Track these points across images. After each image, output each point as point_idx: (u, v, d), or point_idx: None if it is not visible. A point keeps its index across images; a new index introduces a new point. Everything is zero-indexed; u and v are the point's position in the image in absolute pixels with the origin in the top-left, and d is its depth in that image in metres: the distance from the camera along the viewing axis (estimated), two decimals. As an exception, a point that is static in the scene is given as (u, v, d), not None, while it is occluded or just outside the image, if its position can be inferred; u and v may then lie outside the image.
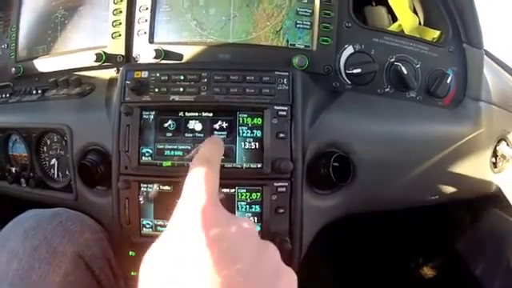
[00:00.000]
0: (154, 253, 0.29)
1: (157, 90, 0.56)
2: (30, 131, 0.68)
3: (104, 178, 0.58)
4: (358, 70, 0.62)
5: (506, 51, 0.89)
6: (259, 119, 0.55)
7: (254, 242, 0.28)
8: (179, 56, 0.63)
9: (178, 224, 0.29)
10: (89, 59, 0.66)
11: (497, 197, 0.77)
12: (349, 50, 0.64)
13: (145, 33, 0.65)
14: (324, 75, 0.63)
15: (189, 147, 0.55)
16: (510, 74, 0.85)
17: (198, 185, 0.31)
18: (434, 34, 0.69)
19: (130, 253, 0.57)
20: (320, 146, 0.58)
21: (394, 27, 0.73)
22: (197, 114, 0.56)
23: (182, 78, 0.56)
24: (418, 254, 1.00)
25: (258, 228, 0.54)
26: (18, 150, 0.72)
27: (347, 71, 0.63)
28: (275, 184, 0.54)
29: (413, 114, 0.65)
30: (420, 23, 0.72)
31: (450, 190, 0.68)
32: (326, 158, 0.56)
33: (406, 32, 0.70)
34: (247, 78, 0.56)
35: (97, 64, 0.67)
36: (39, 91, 0.71)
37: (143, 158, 0.56)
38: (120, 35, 0.66)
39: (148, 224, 0.57)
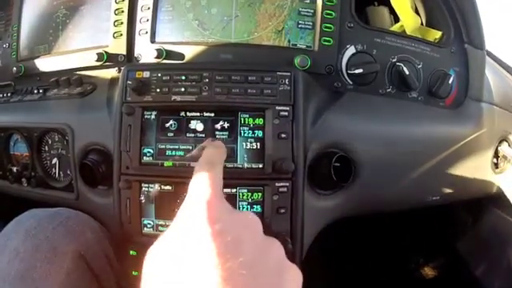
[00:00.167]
0: (159, 245, 0.29)
1: (158, 90, 0.56)
2: (31, 131, 0.68)
3: (105, 177, 0.58)
4: (360, 71, 0.62)
5: (508, 52, 0.89)
6: (261, 119, 0.55)
7: (259, 236, 0.28)
8: (181, 56, 0.63)
9: (182, 218, 0.29)
10: (90, 59, 0.66)
11: (498, 197, 0.77)
12: (351, 50, 0.64)
13: (146, 32, 0.65)
14: (326, 75, 0.63)
15: (190, 147, 0.55)
16: (512, 74, 0.85)
17: (203, 184, 0.31)
18: (435, 35, 0.69)
19: (131, 252, 0.57)
20: (321, 147, 0.58)
21: (395, 27, 0.73)
22: (198, 114, 0.56)
23: (183, 78, 0.56)
24: (419, 254, 1.00)
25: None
26: (20, 149, 0.72)
27: (349, 71, 0.63)
28: (276, 184, 0.54)
29: (414, 115, 0.65)
30: (422, 24, 0.72)
31: (451, 190, 0.68)
32: (327, 158, 0.56)
33: (408, 32, 0.70)
34: (249, 78, 0.56)
35: (98, 64, 0.67)
36: (40, 91, 0.71)
37: (144, 157, 0.56)
38: (121, 35, 0.66)
39: (149, 224, 0.57)
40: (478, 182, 0.72)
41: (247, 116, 0.55)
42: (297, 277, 0.29)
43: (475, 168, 0.70)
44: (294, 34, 0.63)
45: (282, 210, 0.55)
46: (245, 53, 0.63)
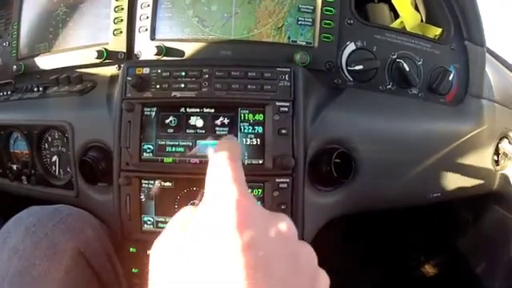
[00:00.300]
0: (174, 249, 0.25)
1: (158, 86, 0.56)
2: (31, 128, 0.68)
3: (105, 174, 0.58)
4: (360, 67, 0.62)
5: (508, 49, 0.89)
6: (261, 115, 0.55)
7: (292, 245, 0.25)
8: (181, 53, 0.63)
9: (204, 220, 0.25)
10: (90, 56, 0.66)
11: (498, 194, 0.77)
12: (351, 46, 0.64)
13: (146, 30, 0.65)
14: (326, 72, 0.63)
15: (190, 143, 0.55)
16: (512, 71, 0.84)
17: (226, 179, 0.26)
18: (435, 32, 0.69)
19: (131, 249, 0.57)
20: (322, 143, 0.58)
21: (395, 24, 0.73)
22: (198, 110, 0.56)
23: (183, 74, 0.56)
24: (420, 252, 1.00)
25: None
26: (20, 147, 0.72)
27: (349, 68, 0.63)
28: (277, 180, 0.54)
29: (414, 111, 0.64)
30: (422, 20, 0.72)
31: (451, 187, 0.68)
32: (327, 154, 0.55)
33: (408, 29, 0.70)
34: (249, 74, 0.56)
35: (98, 61, 0.67)
36: (40, 88, 0.71)
37: (144, 154, 0.56)
38: (121, 32, 0.66)
39: (149, 220, 0.57)
40: (479, 179, 0.72)
41: (247, 112, 0.55)
42: (326, 283, 0.26)
43: (476, 165, 0.70)
44: (293, 30, 0.63)
45: (283, 207, 0.54)
46: (245, 49, 0.63)
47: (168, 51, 0.63)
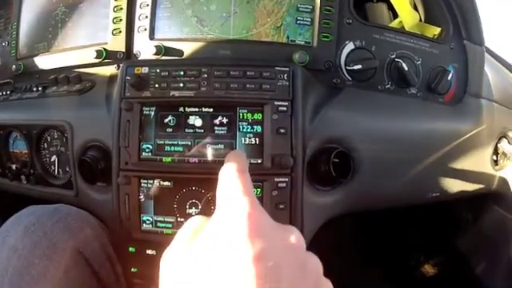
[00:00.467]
0: (185, 254, 0.26)
1: (157, 85, 0.56)
2: (30, 128, 0.68)
3: (104, 174, 0.58)
4: (359, 67, 0.62)
5: (507, 48, 0.89)
6: (259, 115, 0.55)
7: (300, 256, 0.26)
8: (180, 52, 0.63)
9: (217, 230, 0.26)
10: (89, 56, 0.66)
11: (498, 194, 0.77)
12: (349, 46, 0.64)
13: (145, 29, 0.65)
14: (324, 71, 0.63)
15: (189, 143, 0.55)
16: (511, 71, 0.84)
17: (237, 191, 0.28)
18: (434, 31, 0.69)
19: (130, 249, 0.57)
20: (320, 142, 0.58)
21: (394, 24, 0.73)
22: (197, 109, 0.56)
23: (182, 73, 0.56)
24: (419, 252, 1.00)
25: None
26: (19, 147, 0.72)
27: (348, 67, 0.63)
28: (275, 179, 0.54)
29: (413, 111, 0.64)
30: (421, 20, 0.72)
31: (450, 187, 0.68)
32: (326, 153, 0.55)
33: (407, 28, 0.70)
34: (247, 73, 0.56)
35: (97, 61, 0.67)
36: (40, 88, 0.71)
37: (143, 153, 0.56)
38: (120, 32, 0.66)
39: (148, 220, 0.57)
40: (478, 179, 0.72)
41: (246, 111, 0.55)
42: None
43: (475, 164, 0.70)
44: (292, 30, 0.63)
45: (282, 206, 0.55)
46: (243, 49, 0.63)
47: (167, 51, 0.63)
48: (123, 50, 0.66)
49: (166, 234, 0.56)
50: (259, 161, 0.54)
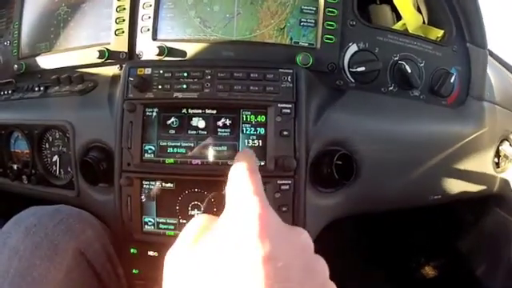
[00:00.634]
0: (191, 253, 0.26)
1: (160, 86, 0.56)
2: (32, 128, 0.68)
3: (106, 175, 0.58)
4: (362, 69, 0.62)
5: (510, 51, 0.89)
6: (263, 117, 0.55)
7: (309, 257, 0.26)
8: (182, 53, 0.63)
9: (227, 230, 0.26)
10: (92, 56, 0.66)
11: (499, 197, 0.77)
12: (353, 48, 0.64)
13: (148, 30, 0.64)
14: (328, 73, 0.63)
15: (192, 144, 0.55)
16: (514, 74, 0.84)
17: (247, 192, 0.28)
18: (437, 33, 0.69)
19: (132, 250, 0.57)
20: (323, 144, 0.57)
21: (398, 26, 0.73)
22: (200, 111, 0.56)
23: (185, 74, 0.56)
24: (421, 254, 1.00)
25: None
26: (20, 146, 0.72)
27: (351, 69, 0.63)
28: (278, 182, 0.54)
29: (416, 113, 0.64)
30: (424, 22, 0.72)
31: (452, 189, 0.68)
32: (329, 156, 0.55)
33: (410, 31, 0.70)
34: (251, 75, 0.56)
35: (100, 61, 0.66)
36: (41, 88, 0.71)
37: (146, 154, 0.56)
38: (123, 32, 0.66)
39: (150, 221, 0.56)
40: (480, 181, 0.72)
41: (249, 113, 0.55)
42: None
43: (476, 167, 0.70)
44: (296, 31, 0.63)
45: (284, 208, 0.54)
46: (247, 50, 0.63)
47: (170, 52, 0.63)
48: (126, 51, 0.66)
49: (168, 236, 0.56)
50: (262, 163, 0.54)
